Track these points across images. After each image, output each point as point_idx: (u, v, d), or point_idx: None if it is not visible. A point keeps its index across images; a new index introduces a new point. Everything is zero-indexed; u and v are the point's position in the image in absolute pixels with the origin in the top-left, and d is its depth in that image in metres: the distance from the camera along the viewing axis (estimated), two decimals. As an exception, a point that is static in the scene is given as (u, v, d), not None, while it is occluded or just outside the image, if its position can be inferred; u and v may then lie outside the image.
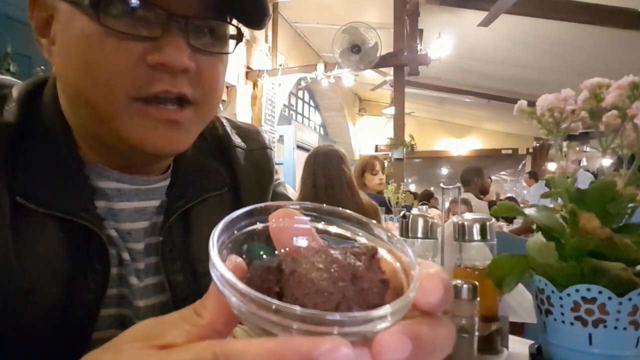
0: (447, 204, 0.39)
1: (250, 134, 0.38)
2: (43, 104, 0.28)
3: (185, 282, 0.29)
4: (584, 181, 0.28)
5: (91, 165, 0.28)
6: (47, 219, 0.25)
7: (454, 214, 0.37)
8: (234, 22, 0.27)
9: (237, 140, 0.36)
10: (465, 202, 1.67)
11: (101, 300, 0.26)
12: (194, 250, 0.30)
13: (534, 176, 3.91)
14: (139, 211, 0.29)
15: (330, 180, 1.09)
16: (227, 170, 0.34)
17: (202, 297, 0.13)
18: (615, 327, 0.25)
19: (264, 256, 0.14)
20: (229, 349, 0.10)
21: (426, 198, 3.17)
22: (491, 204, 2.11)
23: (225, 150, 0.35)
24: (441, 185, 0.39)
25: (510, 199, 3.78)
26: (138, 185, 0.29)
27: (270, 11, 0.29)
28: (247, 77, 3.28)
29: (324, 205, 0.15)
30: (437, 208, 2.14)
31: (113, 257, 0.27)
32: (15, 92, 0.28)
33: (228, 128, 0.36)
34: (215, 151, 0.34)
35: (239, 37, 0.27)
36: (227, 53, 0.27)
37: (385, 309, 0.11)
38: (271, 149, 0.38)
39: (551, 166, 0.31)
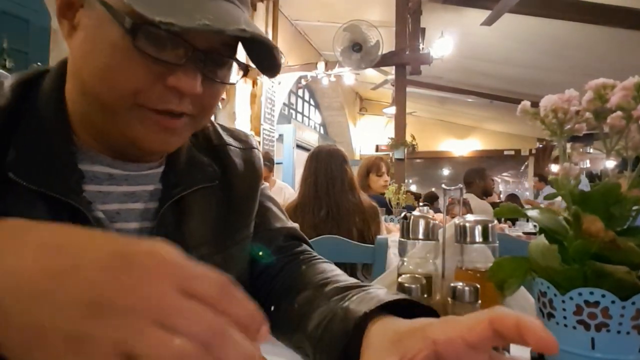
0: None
1: (239, 136, 0.41)
2: (41, 91, 0.29)
3: None
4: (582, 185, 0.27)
5: (85, 150, 0.30)
6: (36, 197, 0.26)
7: (452, 216, 0.37)
8: (243, 59, 0.30)
9: (228, 139, 0.39)
10: (465, 204, 1.66)
11: None
12: (187, 237, 0.32)
13: (544, 179, 3.77)
14: (127, 194, 0.31)
15: (332, 180, 1.08)
16: (219, 166, 0.36)
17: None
18: (619, 332, 0.25)
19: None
20: None
21: (430, 200, 3.15)
22: (494, 205, 2.10)
23: (216, 147, 0.37)
24: (443, 186, 0.38)
25: (512, 196, 3.73)
26: (129, 171, 0.31)
27: (282, 63, 0.33)
28: (246, 75, 3.27)
29: None
30: (440, 210, 2.13)
31: None
32: (9, 81, 0.29)
33: (219, 128, 0.39)
34: (205, 148, 0.36)
35: (245, 71, 0.30)
36: (232, 84, 0.30)
37: None
38: (259, 150, 0.41)
39: (554, 167, 0.31)
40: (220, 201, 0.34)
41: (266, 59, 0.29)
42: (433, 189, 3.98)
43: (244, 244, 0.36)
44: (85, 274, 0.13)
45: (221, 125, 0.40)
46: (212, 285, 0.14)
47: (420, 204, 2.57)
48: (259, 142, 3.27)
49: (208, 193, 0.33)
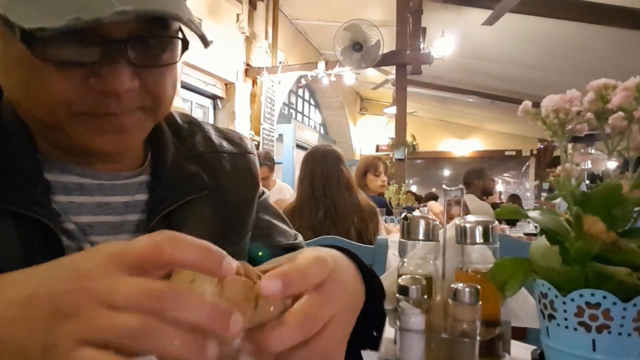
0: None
1: (233, 138, 0.38)
2: (3, 101, 0.28)
3: None
4: None
5: (53, 159, 0.28)
6: (3, 213, 0.25)
7: (450, 218, 0.37)
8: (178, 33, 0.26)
9: (220, 144, 0.36)
10: (463, 204, 1.63)
11: None
12: None
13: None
14: (101, 206, 0.29)
15: (328, 180, 1.08)
16: (209, 174, 0.34)
17: None
18: (620, 333, 0.25)
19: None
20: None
21: (430, 200, 3.14)
22: (495, 205, 2.09)
23: (205, 155, 0.35)
24: (443, 186, 0.38)
25: (513, 196, 3.72)
26: (101, 180, 0.29)
27: (209, 39, 0.29)
28: (246, 75, 3.26)
29: None
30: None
31: (72, 251, 0.27)
32: None
33: (211, 133, 0.37)
34: (193, 156, 0.34)
35: (184, 44, 0.26)
36: (173, 63, 0.26)
37: None
38: (254, 154, 0.39)
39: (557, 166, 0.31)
40: (213, 211, 0.32)
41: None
42: (434, 190, 3.98)
43: (242, 255, 0.35)
44: (43, 290, 0.15)
45: (214, 127, 0.37)
46: (148, 244, 0.15)
47: (421, 206, 2.56)
48: (259, 142, 3.26)
49: (199, 204, 0.31)
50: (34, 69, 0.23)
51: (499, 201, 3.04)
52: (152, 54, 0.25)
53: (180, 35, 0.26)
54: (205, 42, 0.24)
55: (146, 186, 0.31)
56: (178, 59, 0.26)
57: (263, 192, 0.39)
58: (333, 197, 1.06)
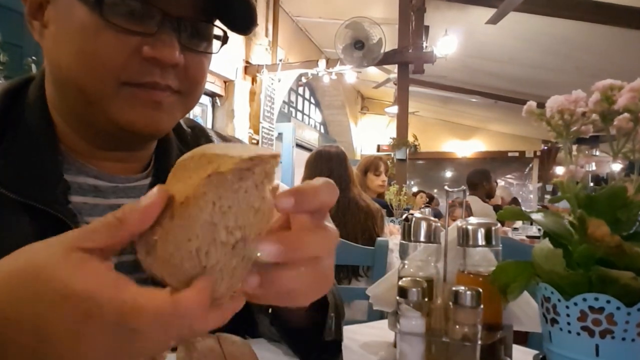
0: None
1: None
2: (27, 100, 0.30)
3: None
4: None
5: (72, 160, 0.29)
6: (20, 208, 0.26)
7: (453, 219, 0.36)
8: (222, 25, 0.29)
9: None
10: (466, 206, 1.62)
11: None
12: None
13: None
14: (114, 207, 0.31)
15: (338, 183, 1.08)
16: None
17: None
18: (624, 338, 0.24)
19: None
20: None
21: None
22: (497, 208, 2.08)
23: None
24: (445, 187, 0.38)
25: (514, 200, 3.72)
26: (116, 183, 0.31)
27: (257, 20, 0.33)
28: (245, 72, 3.24)
29: None
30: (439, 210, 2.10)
31: None
32: None
33: (214, 138, 0.39)
34: None
35: (224, 39, 0.30)
36: (213, 53, 0.30)
37: None
38: None
39: (559, 170, 0.30)
40: None
41: (239, 11, 0.28)
42: (435, 191, 3.99)
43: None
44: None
45: (217, 133, 0.39)
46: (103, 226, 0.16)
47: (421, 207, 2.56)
48: (258, 141, 3.25)
49: None
50: (95, 35, 0.25)
51: (500, 203, 3.03)
52: (197, 40, 0.28)
53: (220, 29, 0.29)
54: (249, 23, 0.28)
55: (150, 188, 0.32)
56: (217, 51, 0.30)
57: None
58: (341, 198, 1.07)
